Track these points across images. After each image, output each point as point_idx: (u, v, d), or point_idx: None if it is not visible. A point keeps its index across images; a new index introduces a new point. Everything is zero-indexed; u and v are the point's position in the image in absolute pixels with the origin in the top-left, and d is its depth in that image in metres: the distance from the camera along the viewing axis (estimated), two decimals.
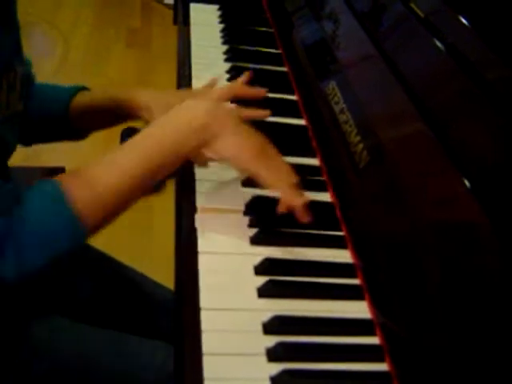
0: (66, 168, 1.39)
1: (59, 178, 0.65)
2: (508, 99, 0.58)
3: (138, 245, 1.66)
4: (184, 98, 0.83)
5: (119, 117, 0.93)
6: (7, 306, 0.74)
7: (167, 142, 0.68)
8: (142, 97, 0.88)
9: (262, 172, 0.69)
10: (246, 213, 0.74)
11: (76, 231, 0.63)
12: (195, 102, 0.72)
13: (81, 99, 0.93)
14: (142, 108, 0.87)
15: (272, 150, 0.71)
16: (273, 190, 0.70)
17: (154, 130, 0.70)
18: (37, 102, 0.93)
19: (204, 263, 0.67)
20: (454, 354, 0.52)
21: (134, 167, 0.67)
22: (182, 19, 1.20)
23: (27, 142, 0.99)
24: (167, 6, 3.07)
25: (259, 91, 0.87)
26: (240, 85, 0.86)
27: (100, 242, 1.89)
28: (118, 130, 2.21)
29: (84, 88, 0.95)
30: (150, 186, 0.69)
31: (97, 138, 2.44)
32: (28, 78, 0.90)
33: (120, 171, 0.67)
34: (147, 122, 0.85)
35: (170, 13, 1.43)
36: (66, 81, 1.02)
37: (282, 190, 0.69)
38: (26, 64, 0.90)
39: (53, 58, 2.66)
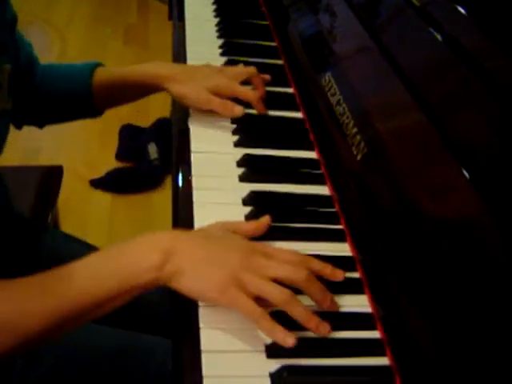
0: (64, 167, 1.38)
1: None
2: (507, 89, 0.57)
3: None
4: (207, 71, 0.90)
5: (145, 90, 0.93)
6: None
7: (109, 281, 0.59)
8: (168, 69, 0.89)
9: (240, 307, 0.58)
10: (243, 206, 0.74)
11: None
12: (152, 235, 0.62)
13: (104, 74, 0.93)
14: (172, 79, 0.87)
15: (257, 263, 0.60)
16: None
17: (100, 261, 0.61)
18: (54, 80, 0.93)
19: None
20: (456, 347, 0.52)
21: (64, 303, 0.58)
22: (176, 14, 1.19)
23: (41, 123, 0.99)
24: (163, 1, 3.06)
25: (263, 108, 0.89)
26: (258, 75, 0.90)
27: (100, 238, 1.89)
28: (115, 127, 2.20)
29: (100, 64, 0.95)
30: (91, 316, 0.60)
31: (93, 136, 2.45)
32: (29, 61, 0.91)
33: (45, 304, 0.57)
34: (176, 93, 0.88)
35: (166, 8, 1.42)
36: None
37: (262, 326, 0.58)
38: (26, 45, 0.91)
39: (50, 57, 2.65)
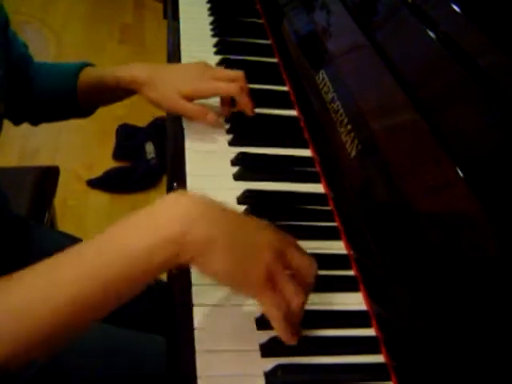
0: (62, 167, 1.38)
1: None
2: (502, 86, 0.57)
3: None
4: (184, 73, 0.86)
5: (122, 93, 0.93)
6: None
7: (127, 253, 0.51)
8: (141, 72, 0.87)
9: (263, 298, 0.55)
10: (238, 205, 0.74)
11: None
12: (174, 198, 0.55)
13: (88, 75, 0.93)
14: (145, 83, 0.86)
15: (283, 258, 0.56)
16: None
17: (113, 235, 0.53)
18: (42, 80, 0.94)
19: None
20: (451, 344, 0.52)
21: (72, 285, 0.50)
22: (171, 13, 1.19)
23: (35, 122, 1.00)
24: (159, 0, 3.05)
25: (251, 108, 0.87)
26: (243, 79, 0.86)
27: None
28: (112, 127, 2.20)
29: (88, 64, 0.95)
30: (103, 309, 0.53)
31: (91, 136, 2.44)
32: (23, 60, 0.92)
33: (52, 284, 0.51)
34: (149, 98, 0.86)
35: (162, 7, 1.42)
36: None
37: (277, 323, 0.55)
38: (20, 46, 0.92)
39: (46, 57, 2.64)
